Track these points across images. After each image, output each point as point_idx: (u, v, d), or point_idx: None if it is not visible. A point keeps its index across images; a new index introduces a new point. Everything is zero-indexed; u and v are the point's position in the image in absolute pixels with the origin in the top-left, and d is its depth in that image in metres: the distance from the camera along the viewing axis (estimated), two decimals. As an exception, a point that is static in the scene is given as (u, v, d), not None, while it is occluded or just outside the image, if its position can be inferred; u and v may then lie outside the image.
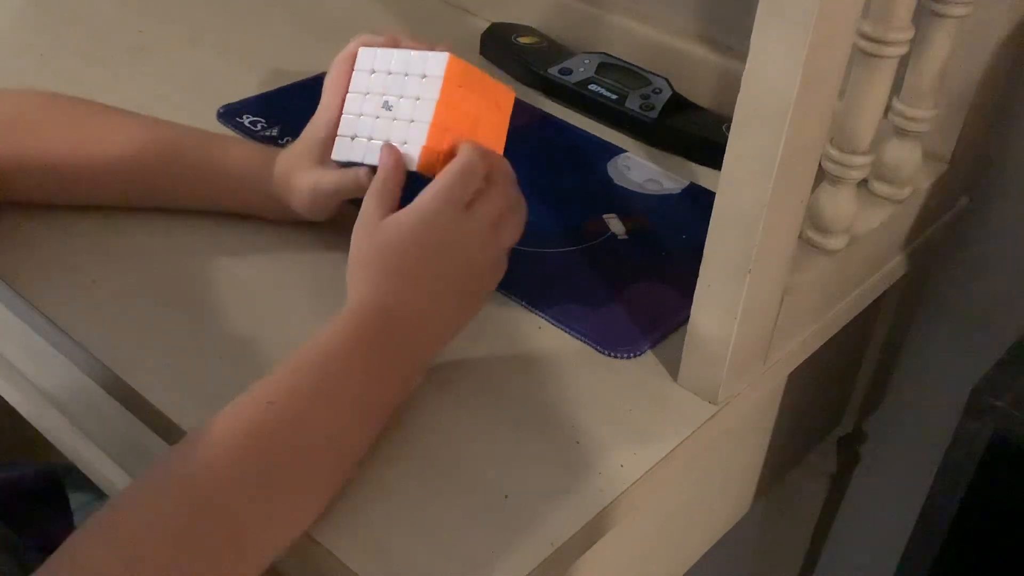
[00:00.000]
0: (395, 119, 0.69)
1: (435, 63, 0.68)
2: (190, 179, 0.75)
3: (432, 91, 0.68)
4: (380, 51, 0.71)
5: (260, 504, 0.54)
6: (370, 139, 0.70)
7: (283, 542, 0.55)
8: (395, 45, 0.72)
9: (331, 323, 0.61)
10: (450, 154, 0.67)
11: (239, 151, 0.76)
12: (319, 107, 0.74)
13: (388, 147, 0.68)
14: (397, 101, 0.69)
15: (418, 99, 0.68)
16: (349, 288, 0.64)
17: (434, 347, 0.65)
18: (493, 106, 0.70)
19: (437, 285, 0.63)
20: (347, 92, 0.72)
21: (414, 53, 0.70)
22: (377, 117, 0.70)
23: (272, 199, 0.75)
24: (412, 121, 0.68)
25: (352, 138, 0.71)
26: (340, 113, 0.72)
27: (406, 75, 0.69)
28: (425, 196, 0.64)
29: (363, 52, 0.72)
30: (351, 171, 0.71)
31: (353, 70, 0.72)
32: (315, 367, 0.59)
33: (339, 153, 0.71)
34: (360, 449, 0.59)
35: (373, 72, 0.71)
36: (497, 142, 0.70)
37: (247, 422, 0.55)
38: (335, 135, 0.72)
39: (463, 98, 0.68)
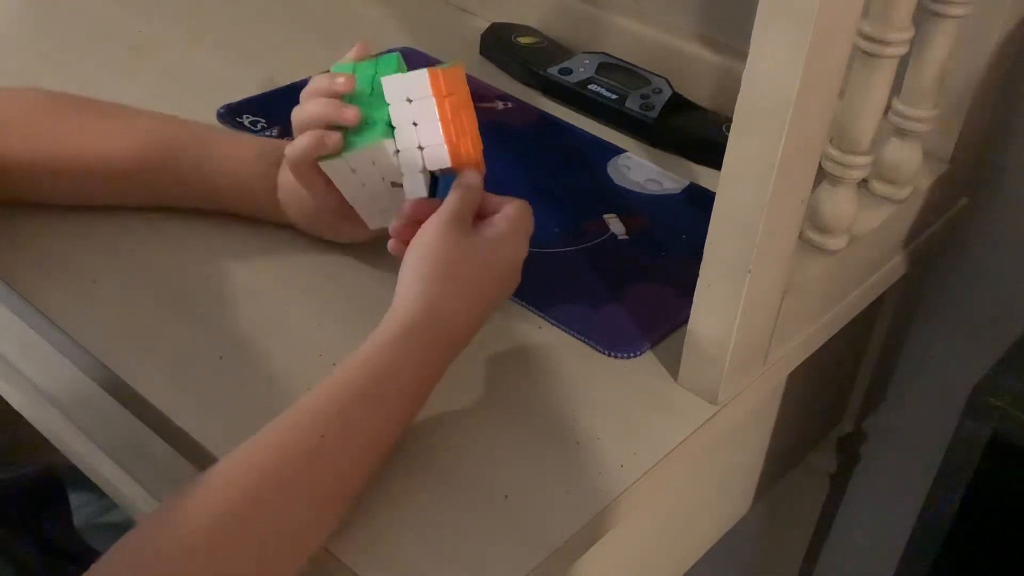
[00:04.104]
0: (401, 157, 0.67)
1: (417, 84, 0.66)
2: (189, 180, 0.75)
3: (429, 112, 0.66)
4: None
5: (295, 533, 0.54)
6: (388, 209, 0.69)
7: (306, 556, 0.55)
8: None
9: (384, 332, 0.60)
10: (464, 152, 0.67)
11: (240, 153, 0.75)
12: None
13: (471, 174, 0.67)
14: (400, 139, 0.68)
15: (415, 124, 0.67)
16: (402, 297, 0.62)
17: (455, 350, 0.64)
18: (462, 88, 0.69)
19: (482, 299, 0.64)
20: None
21: (390, 83, 0.67)
22: (383, 178, 0.69)
23: (272, 206, 0.74)
24: (422, 148, 0.67)
25: (381, 211, 0.71)
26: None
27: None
28: (503, 223, 0.66)
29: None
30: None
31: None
32: (368, 398, 0.57)
33: (375, 222, 0.72)
34: (383, 463, 0.59)
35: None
36: (472, 120, 0.69)
37: (300, 454, 0.54)
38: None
39: (451, 104, 0.67)
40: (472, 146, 0.68)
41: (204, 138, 0.76)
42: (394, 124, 0.67)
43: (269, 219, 0.76)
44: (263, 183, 0.74)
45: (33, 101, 0.77)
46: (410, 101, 0.66)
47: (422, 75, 0.66)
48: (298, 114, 0.69)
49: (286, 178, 0.73)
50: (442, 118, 0.67)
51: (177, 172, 0.75)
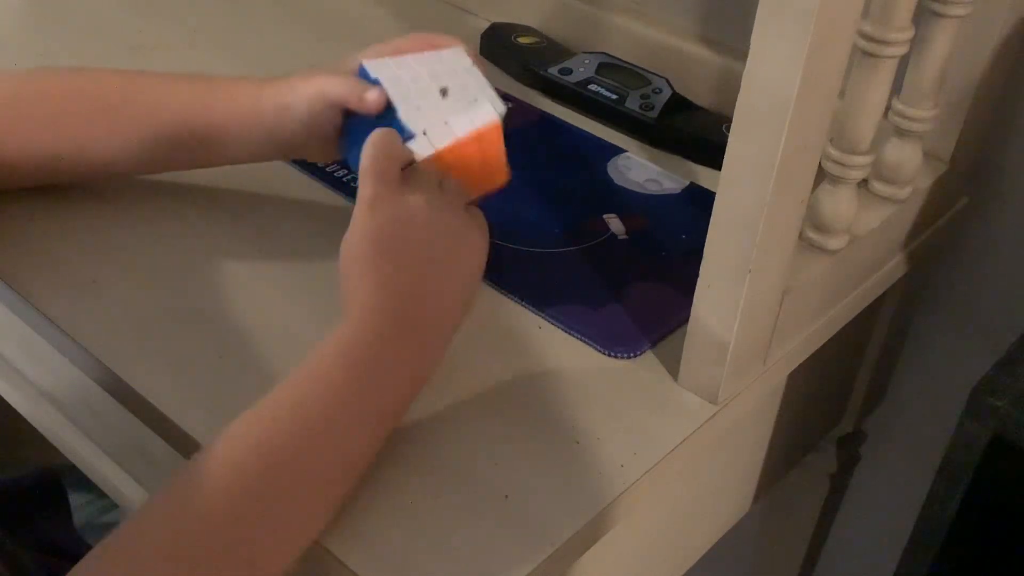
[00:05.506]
0: (436, 109, 0.69)
1: (486, 111, 0.69)
2: (195, 148, 0.74)
3: (476, 122, 0.68)
4: (472, 66, 0.73)
5: (271, 526, 0.53)
6: (413, 79, 0.70)
7: (294, 556, 0.54)
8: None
9: (332, 332, 0.59)
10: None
11: (237, 106, 0.75)
12: (381, 44, 0.73)
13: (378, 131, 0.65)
14: (452, 101, 0.70)
15: (446, 123, 0.68)
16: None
17: (442, 328, 0.62)
18: (483, 178, 0.70)
19: (422, 269, 0.61)
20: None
21: (490, 90, 0.72)
22: (426, 86, 0.71)
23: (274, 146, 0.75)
24: (446, 123, 0.68)
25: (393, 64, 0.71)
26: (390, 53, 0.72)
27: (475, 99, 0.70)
28: (359, 189, 0.63)
29: (457, 52, 0.73)
30: (361, 84, 0.69)
31: (436, 48, 0.73)
32: (321, 380, 0.57)
33: (373, 67, 0.70)
34: (369, 456, 0.58)
35: (454, 71, 0.73)
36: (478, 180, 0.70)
37: (255, 444, 0.54)
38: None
39: (474, 151, 0.69)
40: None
41: (206, 104, 0.75)
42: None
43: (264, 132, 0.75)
44: (266, 129, 0.74)
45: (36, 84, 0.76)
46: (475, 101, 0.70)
47: (492, 113, 0.69)
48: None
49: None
50: (468, 139, 0.68)
51: (182, 143, 0.74)
